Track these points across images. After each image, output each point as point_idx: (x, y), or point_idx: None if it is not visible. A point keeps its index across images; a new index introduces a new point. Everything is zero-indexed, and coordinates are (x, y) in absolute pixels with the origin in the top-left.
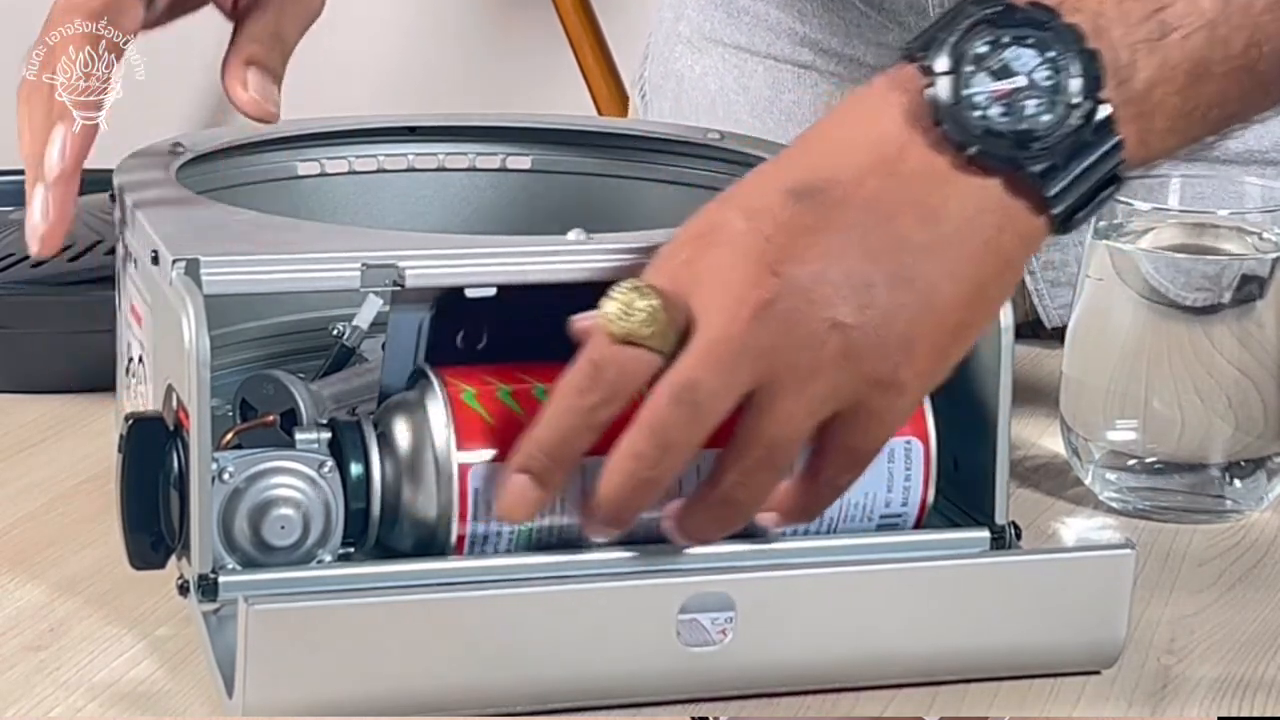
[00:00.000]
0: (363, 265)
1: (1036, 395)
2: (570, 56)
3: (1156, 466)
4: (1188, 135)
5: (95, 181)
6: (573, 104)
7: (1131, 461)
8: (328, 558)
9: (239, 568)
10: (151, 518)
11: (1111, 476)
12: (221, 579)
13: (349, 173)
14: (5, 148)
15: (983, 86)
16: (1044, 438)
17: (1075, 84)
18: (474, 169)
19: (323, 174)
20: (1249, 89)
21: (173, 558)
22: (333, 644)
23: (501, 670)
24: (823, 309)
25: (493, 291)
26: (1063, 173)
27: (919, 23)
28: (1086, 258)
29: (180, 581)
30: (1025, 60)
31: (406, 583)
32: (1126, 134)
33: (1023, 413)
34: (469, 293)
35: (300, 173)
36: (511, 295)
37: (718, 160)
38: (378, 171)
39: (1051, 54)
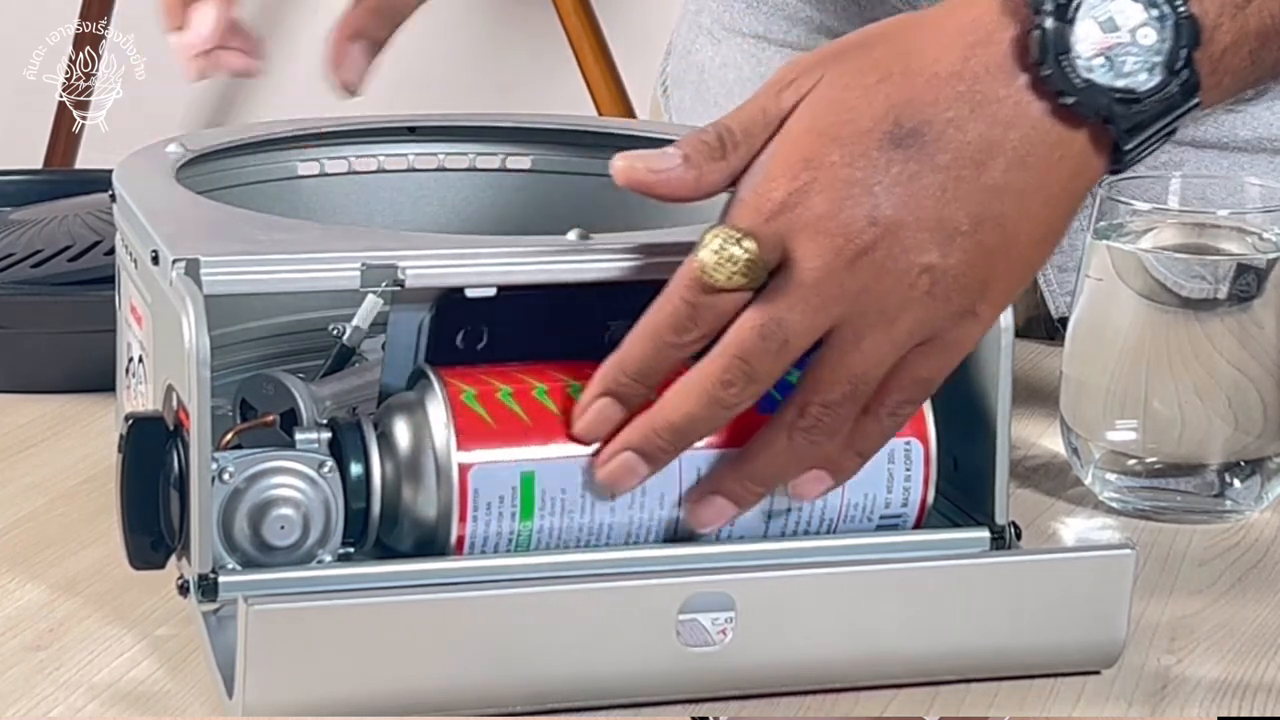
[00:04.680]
0: (363, 265)
1: (1036, 395)
2: (570, 56)
3: (1156, 467)
4: (1233, 94)
5: (95, 181)
6: (573, 104)
7: (1131, 461)
8: (328, 558)
9: (239, 568)
10: (151, 518)
11: (1111, 476)
12: (221, 579)
13: (349, 173)
14: (5, 147)
15: (1089, 37)
16: (1044, 438)
17: (1179, 50)
18: (474, 169)
19: (323, 174)
20: None
21: (173, 558)
22: (333, 644)
23: (501, 670)
24: (915, 254)
25: (493, 291)
26: (1145, 131)
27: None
28: (1086, 258)
29: (180, 581)
30: (1129, 15)
31: (406, 583)
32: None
33: (1023, 413)
34: (469, 293)
35: (300, 173)
36: (511, 295)
37: None
38: (378, 171)
39: (1155, 13)
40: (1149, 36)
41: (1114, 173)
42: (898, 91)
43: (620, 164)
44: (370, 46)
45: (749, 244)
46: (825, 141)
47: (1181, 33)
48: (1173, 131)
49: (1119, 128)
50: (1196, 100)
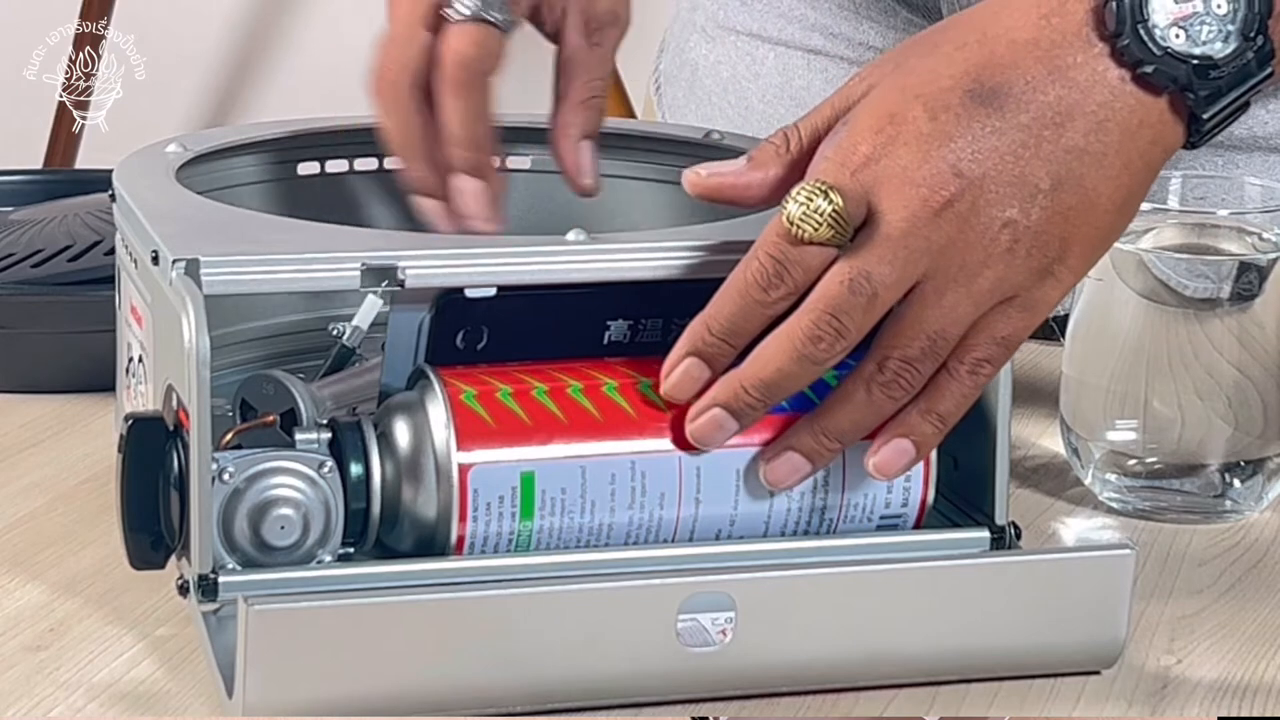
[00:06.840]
0: (363, 265)
1: (1036, 395)
2: None
3: (1156, 467)
4: None
5: (95, 181)
6: None
7: (1131, 462)
8: (328, 558)
9: (239, 568)
10: (151, 518)
11: (1111, 476)
12: (221, 579)
13: (349, 173)
14: (5, 147)
15: (1164, 7)
16: (1044, 438)
17: (1253, 18)
18: None
19: (323, 174)
20: None
21: (173, 558)
22: (333, 644)
23: (501, 670)
24: (997, 208)
25: (493, 291)
26: (1222, 99)
27: (928, 3)
28: None
29: (180, 581)
30: None
31: (406, 583)
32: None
33: (1023, 413)
34: (469, 293)
35: (300, 173)
36: (511, 295)
37: (718, 160)
38: (378, 171)
39: None
40: (1222, 6)
41: (1191, 145)
42: (976, 55)
43: (689, 176)
44: (595, 142)
45: (835, 196)
46: (908, 99)
47: (1255, 0)
48: (1247, 104)
49: (1197, 95)
50: (1270, 70)
